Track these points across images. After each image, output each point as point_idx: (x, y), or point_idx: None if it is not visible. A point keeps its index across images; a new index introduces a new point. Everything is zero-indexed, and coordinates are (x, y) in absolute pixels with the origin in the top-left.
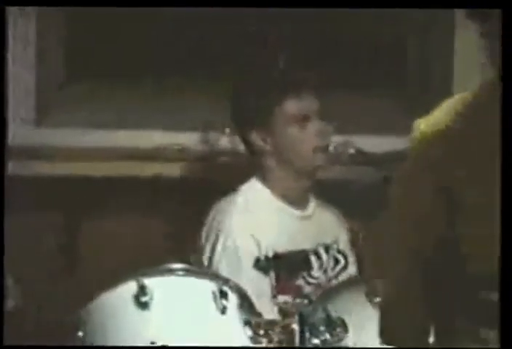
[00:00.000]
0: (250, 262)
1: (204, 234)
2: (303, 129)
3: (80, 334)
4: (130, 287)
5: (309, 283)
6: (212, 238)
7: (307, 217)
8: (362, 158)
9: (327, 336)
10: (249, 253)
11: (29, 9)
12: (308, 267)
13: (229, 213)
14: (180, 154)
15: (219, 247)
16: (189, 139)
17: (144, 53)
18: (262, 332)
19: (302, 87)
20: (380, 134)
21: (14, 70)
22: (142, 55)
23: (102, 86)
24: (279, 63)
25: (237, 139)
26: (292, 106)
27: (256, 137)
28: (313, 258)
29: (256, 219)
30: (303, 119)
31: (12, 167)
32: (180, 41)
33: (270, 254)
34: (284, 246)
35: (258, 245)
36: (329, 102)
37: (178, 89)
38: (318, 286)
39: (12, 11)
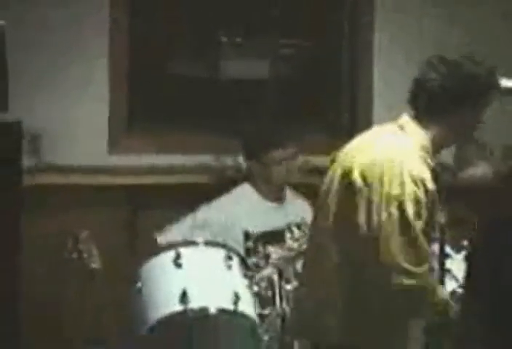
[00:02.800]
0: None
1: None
2: (281, 165)
3: (139, 284)
4: (170, 254)
5: (288, 249)
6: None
7: (279, 207)
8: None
9: (295, 283)
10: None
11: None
12: (283, 239)
13: (212, 210)
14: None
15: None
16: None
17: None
18: (253, 281)
19: (283, 142)
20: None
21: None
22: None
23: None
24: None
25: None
26: (276, 154)
27: (255, 166)
28: (287, 234)
29: (241, 207)
30: (281, 161)
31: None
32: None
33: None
34: (260, 226)
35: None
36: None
37: (209, 131)
38: (291, 250)
39: None
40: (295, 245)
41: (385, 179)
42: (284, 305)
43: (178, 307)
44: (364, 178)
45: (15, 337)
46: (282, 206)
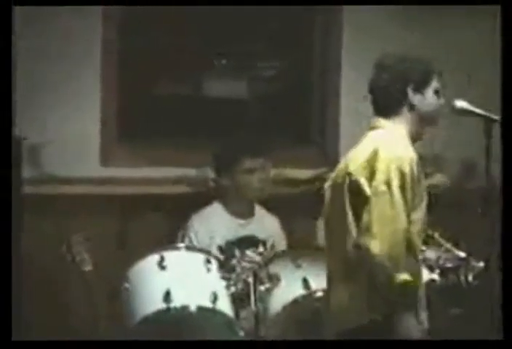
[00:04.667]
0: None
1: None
2: (252, 175)
3: (126, 285)
4: (155, 257)
5: (258, 254)
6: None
7: (247, 224)
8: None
9: (268, 285)
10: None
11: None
12: (256, 244)
13: (196, 221)
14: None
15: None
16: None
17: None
18: (230, 283)
19: (254, 151)
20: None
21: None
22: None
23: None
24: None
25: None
26: (247, 163)
27: (226, 180)
28: (252, 247)
29: (210, 224)
30: (252, 171)
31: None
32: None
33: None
34: (232, 239)
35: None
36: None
37: (193, 146)
38: (254, 263)
39: None
40: (257, 258)
41: (371, 170)
42: (258, 304)
43: (162, 306)
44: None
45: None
46: (251, 222)
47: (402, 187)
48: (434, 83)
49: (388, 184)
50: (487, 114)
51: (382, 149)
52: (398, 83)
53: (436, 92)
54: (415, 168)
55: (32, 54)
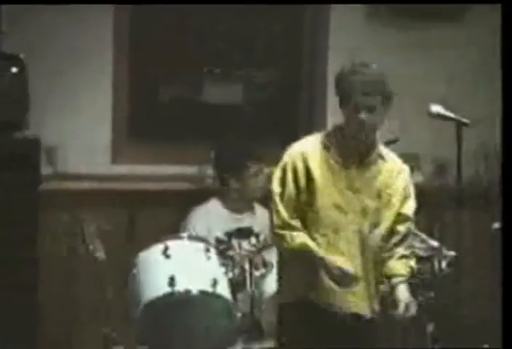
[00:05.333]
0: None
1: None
2: (257, 178)
3: (135, 271)
4: (160, 246)
5: (253, 245)
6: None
7: (244, 218)
8: None
9: (262, 271)
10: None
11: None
12: (251, 234)
13: (196, 215)
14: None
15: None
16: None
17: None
18: (228, 269)
19: (260, 156)
20: None
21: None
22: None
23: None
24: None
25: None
26: (253, 167)
27: (231, 180)
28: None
29: (208, 218)
30: (257, 174)
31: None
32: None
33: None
34: (229, 230)
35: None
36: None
37: (195, 146)
38: (254, 246)
39: None
40: (252, 248)
41: None
42: (254, 288)
43: (167, 290)
44: None
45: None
46: (248, 216)
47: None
48: (354, 99)
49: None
50: (459, 118)
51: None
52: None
53: (355, 107)
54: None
55: (47, 64)
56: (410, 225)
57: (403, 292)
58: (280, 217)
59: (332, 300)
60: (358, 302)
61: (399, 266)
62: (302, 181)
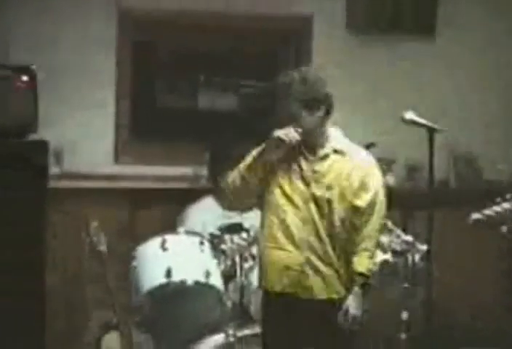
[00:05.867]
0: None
1: (179, 221)
2: None
3: (134, 263)
4: (158, 240)
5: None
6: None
7: (235, 215)
8: None
9: (251, 263)
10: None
11: None
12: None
13: (191, 212)
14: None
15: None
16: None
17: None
18: (220, 261)
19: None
20: None
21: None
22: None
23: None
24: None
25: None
26: None
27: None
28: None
29: (202, 215)
30: None
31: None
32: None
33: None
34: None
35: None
36: None
37: (190, 149)
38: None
39: None
40: (242, 243)
41: None
42: (243, 279)
43: (164, 280)
44: None
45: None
46: (238, 213)
47: None
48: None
49: None
50: (430, 124)
51: None
52: None
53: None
54: None
55: (56, 73)
56: (368, 219)
57: (349, 299)
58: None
59: (298, 288)
60: (324, 287)
61: (360, 262)
62: (260, 169)
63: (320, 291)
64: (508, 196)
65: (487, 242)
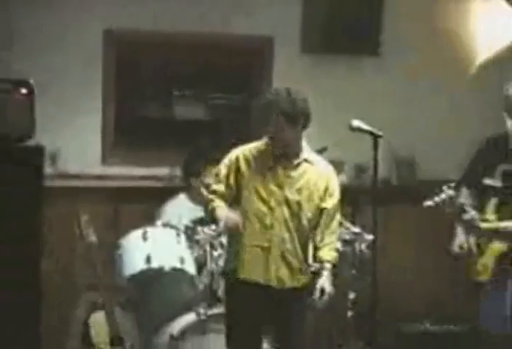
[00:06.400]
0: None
1: (157, 215)
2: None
3: (119, 252)
4: (139, 232)
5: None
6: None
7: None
8: None
9: (220, 252)
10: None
11: None
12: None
13: (168, 207)
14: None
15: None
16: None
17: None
18: (194, 250)
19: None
20: None
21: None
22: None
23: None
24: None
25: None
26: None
27: (194, 181)
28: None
29: (177, 209)
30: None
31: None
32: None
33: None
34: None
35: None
36: None
37: (167, 152)
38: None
39: None
40: (212, 233)
41: None
42: (213, 265)
43: (144, 267)
44: None
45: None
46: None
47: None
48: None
49: None
50: (374, 131)
51: None
52: None
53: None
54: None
55: (52, 85)
56: (332, 218)
57: (323, 279)
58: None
59: (257, 276)
60: (292, 278)
61: (327, 253)
62: (233, 175)
63: (289, 282)
64: (451, 185)
65: (425, 231)
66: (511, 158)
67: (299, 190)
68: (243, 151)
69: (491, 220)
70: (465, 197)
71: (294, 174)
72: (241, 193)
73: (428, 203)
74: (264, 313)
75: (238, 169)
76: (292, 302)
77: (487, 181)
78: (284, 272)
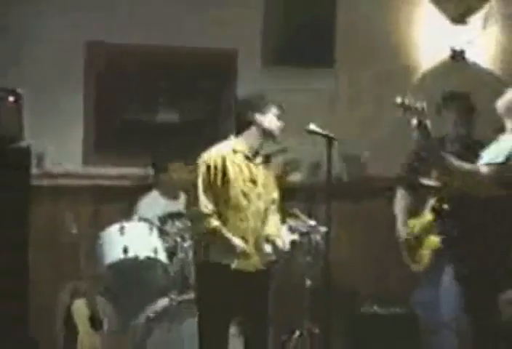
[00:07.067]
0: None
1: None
2: (177, 173)
3: (100, 242)
4: (117, 225)
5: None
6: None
7: (175, 204)
8: None
9: (189, 243)
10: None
11: None
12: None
13: (143, 203)
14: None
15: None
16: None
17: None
18: (165, 241)
19: (180, 157)
20: None
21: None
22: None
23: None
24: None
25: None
26: (177, 165)
27: (163, 176)
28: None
29: (151, 205)
30: (177, 171)
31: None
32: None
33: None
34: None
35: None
36: None
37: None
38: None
39: None
40: (181, 226)
41: None
42: (183, 255)
43: (122, 256)
44: None
45: (25, 278)
46: (178, 202)
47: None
48: (274, 110)
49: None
50: (328, 134)
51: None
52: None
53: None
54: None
55: (38, 93)
56: (276, 205)
57: (283, 232)
58: (201, 205)
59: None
60: (261, 261)
61: (273, 229)
62: (220, 175)
63: (260, 265)
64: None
65: (373, 222)
66: None
67: (264, 185)
68: (222, 150)
69: (428, 219)
70: (401, 197)
71: (262, 170)
72: (227, 187)
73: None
74: (238, 297)
75: (224, 168)
76: (260, 284)
77: (424, 181)
78: (257, 258)
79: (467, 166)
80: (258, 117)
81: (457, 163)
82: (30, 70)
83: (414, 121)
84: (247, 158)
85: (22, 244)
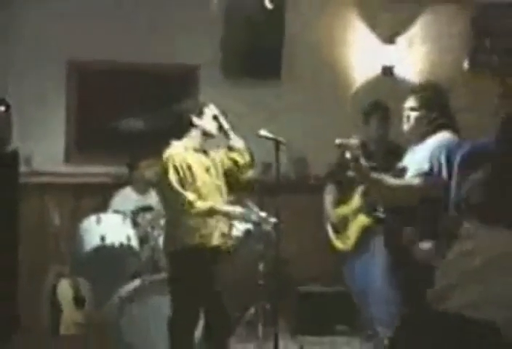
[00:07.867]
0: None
1: (109, 204)
2: (147, 170)
3: (80, 232)
4: (95, 216)
5: (151, 215)
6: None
7: (146, 198)
8: None
9: (159, 232)
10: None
11: None
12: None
13: (118, 197)
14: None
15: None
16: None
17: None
18: (137, 230)
19: (150, 156)
20: None
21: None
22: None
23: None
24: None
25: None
26: (146, 162)
27: (135, 173)
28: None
29: (124, 199)
30: (149, 167)
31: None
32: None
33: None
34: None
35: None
36: None
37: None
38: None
39: None
40: (150, 218)
41: None
42: (154, 243)
43: (99, 243)
44: None
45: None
46: (148, 197)
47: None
48: (209, 112)
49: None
50: (277, 138)
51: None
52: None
53: (214, 118)
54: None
55: (24, 103)
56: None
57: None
58: (187, 195)
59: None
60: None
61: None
62: (185, 170)
63: (229, 245)
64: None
65: (317, 214)
66: (372, 159)
67: (217, 174)
68: (179, 149)
69: (359, 205)
70: (330, 192)
71: (215, 162)
72: (194, 177)
73: None
74: (206, 279)
75: (187, 164)
76: (223, 267)
77: (351, 173)
78: (225, 239)
79: (398, 181)
80: (196, 120)
81: (390, 181)
82: (16, 86)
83: (348, 155)
84: (196, 151)
85: (12, 236)
